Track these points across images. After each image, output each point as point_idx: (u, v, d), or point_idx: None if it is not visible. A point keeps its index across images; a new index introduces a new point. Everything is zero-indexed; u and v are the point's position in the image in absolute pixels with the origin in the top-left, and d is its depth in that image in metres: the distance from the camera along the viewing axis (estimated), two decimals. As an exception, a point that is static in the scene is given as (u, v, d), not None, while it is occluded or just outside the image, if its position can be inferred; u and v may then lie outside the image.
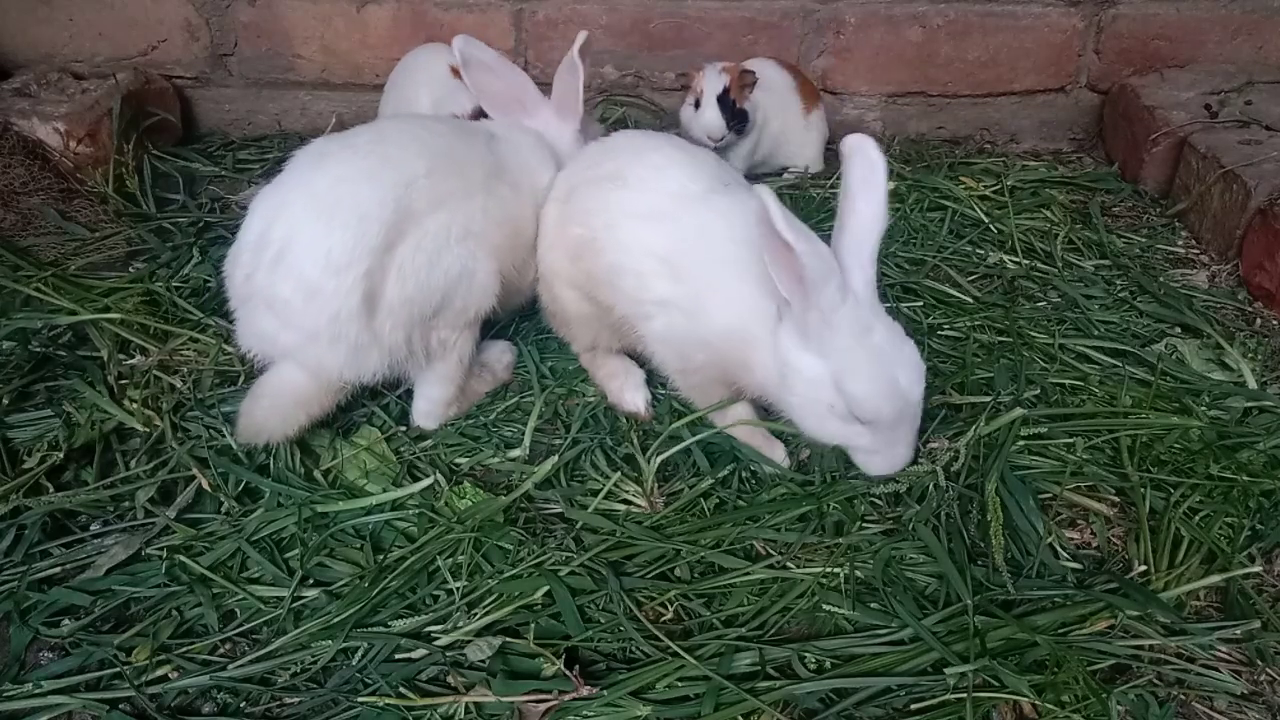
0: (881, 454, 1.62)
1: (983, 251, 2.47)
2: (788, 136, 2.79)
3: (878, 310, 1.58)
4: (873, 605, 1.49)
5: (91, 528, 1.64)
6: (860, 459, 1.65)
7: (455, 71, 2.49)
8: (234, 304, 1.72)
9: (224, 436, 1.78)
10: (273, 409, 1.70)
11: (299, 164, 1.72)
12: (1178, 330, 2.17)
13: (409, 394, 1.90)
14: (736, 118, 2.55)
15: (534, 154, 2.00)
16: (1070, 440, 1.78)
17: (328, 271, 1.59)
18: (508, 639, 1.43)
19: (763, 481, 1.74)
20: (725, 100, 2.52)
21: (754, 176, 2.78)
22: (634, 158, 1.84)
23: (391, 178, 1.67)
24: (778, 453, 1.77)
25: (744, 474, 1.74)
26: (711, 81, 2.53)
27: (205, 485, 1.69)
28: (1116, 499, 1.71)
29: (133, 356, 1.91)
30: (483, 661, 1.40)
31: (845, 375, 1.53)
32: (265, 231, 1.63)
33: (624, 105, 3.08)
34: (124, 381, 1.94)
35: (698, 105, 2.54)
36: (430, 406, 1.85)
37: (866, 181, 1.54)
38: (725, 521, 1.63)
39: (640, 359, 1.92)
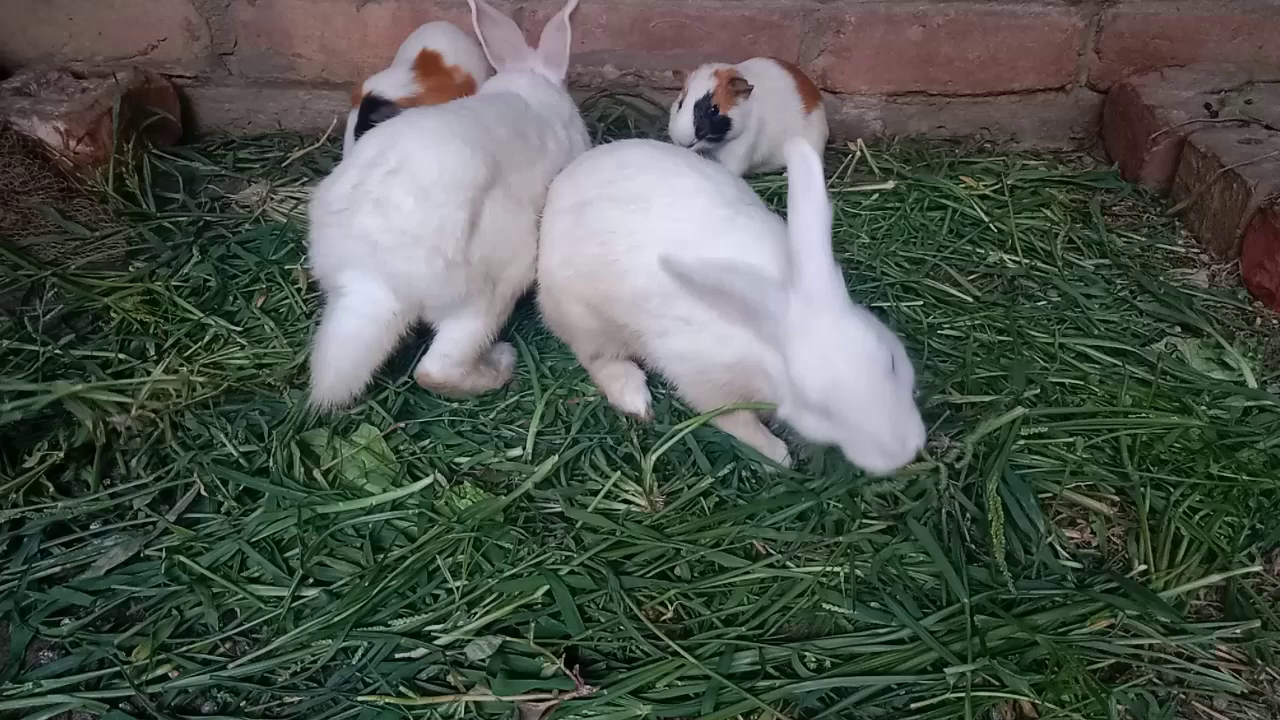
0: (866, 448, 1.54)
1: (983, 251, 2.47)
2: (788, 136, 2.78)
3: (832, 302, 1.55)
4: (873, 605, 1.49)
5: (91, 527, 1.64)
6: (853, 456, 1.57)
7: (420, 58, 2.56)
8: (326, 217, 1.76)
9: (225, 444, 1.78)
10: (340, 365, 1.72)
11: (403, 117, 1.89)
12: (1178, 329, 2.17)
13: (407, 385, 1.91)
14: (716, 126, 2.52)
15: (547, 92, 2.24)
16: (1070, 440, 1.78)
17: (440, 185, 1.72)
18: (508, 638, 1.43)
19: (763, 481, 1.74)
20: (706, 105, 2.50)
21: (754, 176, 2.78)
22: (658, 181, 1.79)
23: (485, 132, 1.86)
24: (779, 452, 1.77)
25: (744, 473, 1.74)
26: (697, 85, 2.51)
27: (203, 491, 1.69)
28: (1116, 498, 1.71)
29: (111, 414, 1.79)
30: (483, 661, 1.40)
31: (789, 365, 1.53)
32: (381, 153, 1.75)
33: (624, 104, 3.08)
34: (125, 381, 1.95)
35: (681, 107, 2.54)
36: (450, 349, 1.85)
37: (806, 185, 1.57)
38: (725, 520, 1.63)
39: (641, 360, 1.92)
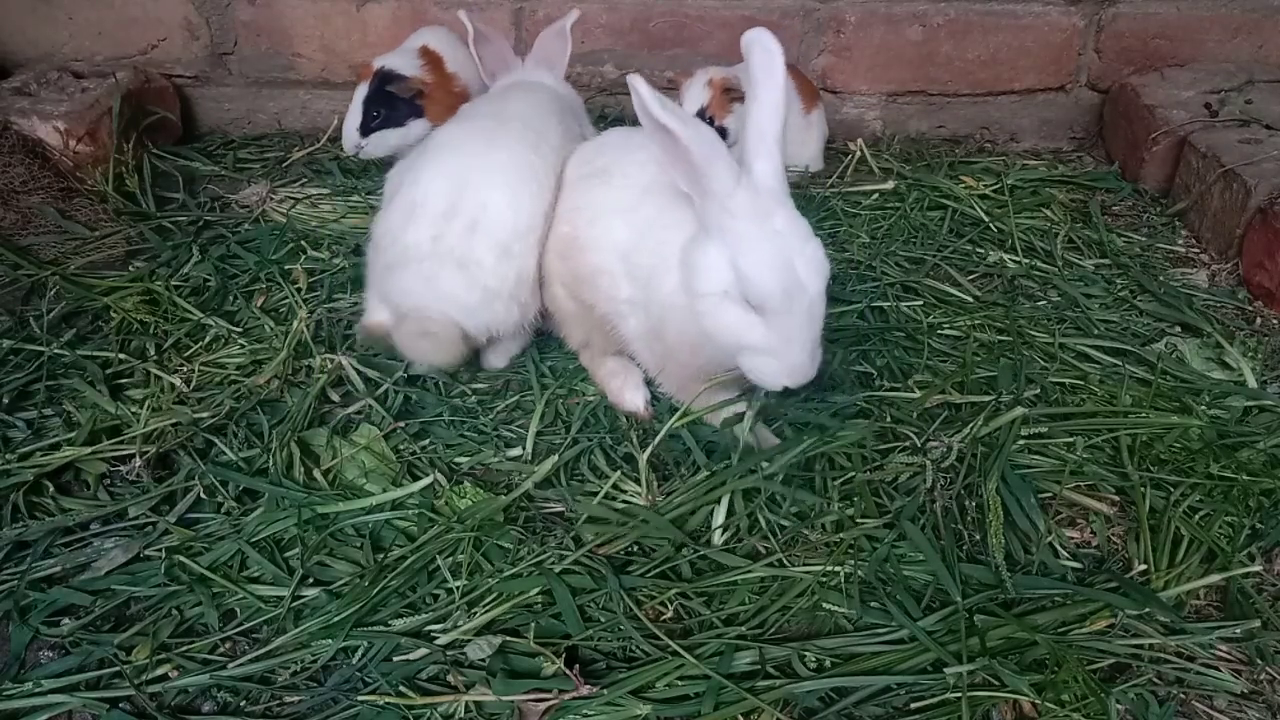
0: (777, 357, 1.53)
1: (983, 250, 2.47)
2: (787, 136, 2.75)
3: (784, 201, 1.55)
4: (873, 604, 1.49)
5: (92, 527, 1.63)
6: (757, 364, 1.55)
7: (424, 50, 2.63)
8: (400, 260, 1.83)
9: (225, 451, 1.78)
10: (440, 347, 1.84)
11: (470, 140, 1.90)
12: (1178, 329, 2.17)
13: (409, 381, 1.95)
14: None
15: (564, 85, 2.31)
16: (1070, 439, 1.78)
17: (518, 235, 1.80)
18: (508, 638, 1.43)
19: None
20: (701, 118, 2.50)
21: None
22: (621, 153, 1.85)
23: (545, 148, 1.89)
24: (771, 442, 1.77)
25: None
26: (691, 97, 2.51)
27: (203, 494, 1.68)
28: (1116, 498, 1.71)
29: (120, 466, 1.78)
30: (483, 660, 1.40)
31: (739, 252, 1.50)
32: (455, 202, 1.79)
33: (624, 104, 3.08)
34: (124, 380, 1.95)
35: None
36: (509, 346, 2.01)
37: (766, 70, 1.54)
38: (719, 485, 1.62)
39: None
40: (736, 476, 1.63)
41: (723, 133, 2.52)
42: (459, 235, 1.77)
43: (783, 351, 1.52)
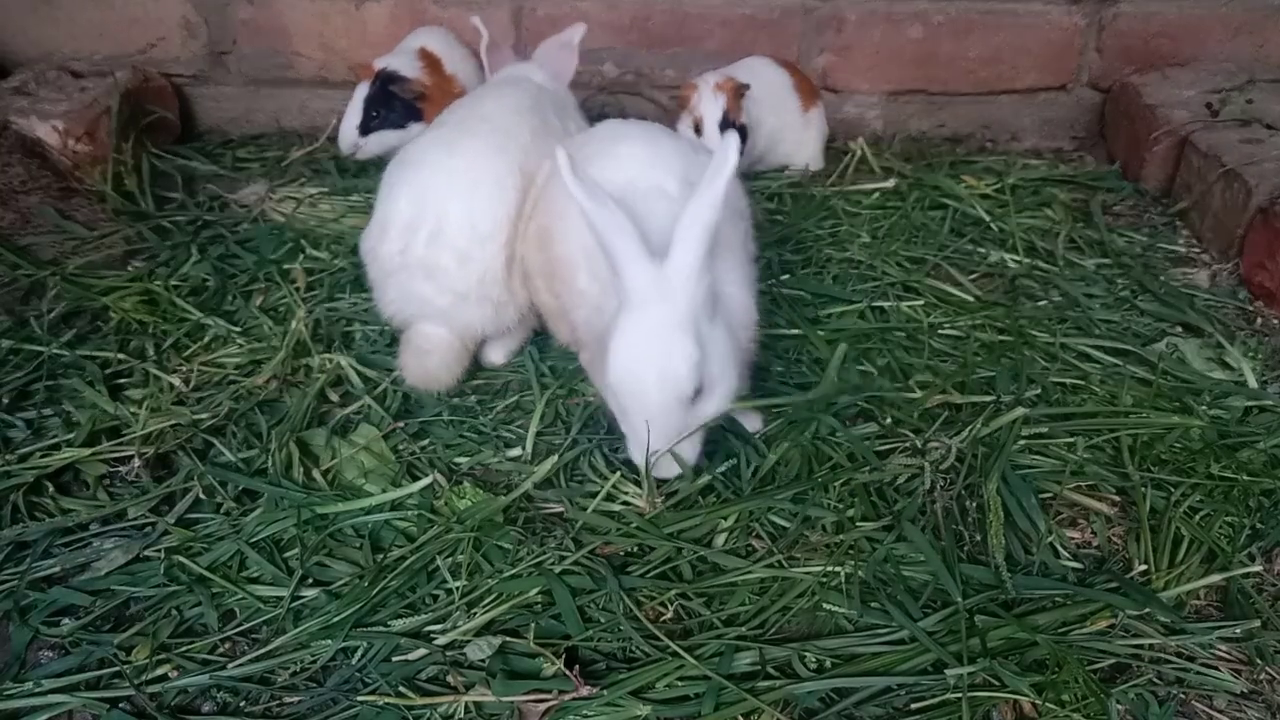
0: (631, 440, 1.56)
1: (984, 250, 2.46)
2: (784, 135, 2.78)
3: (678, 302, 1.47)
4: (873, 605, 1.49)
5: (91, 527, 1.63)
6: (627, 440, 1.59)
7: (423, 52, 2.68)
8: (380, 275, 1.90)
9: (224, 452, 1.78)
10: (441, 361, 1.91)
11: (431, 151, 1.91)
12: (1179, 329, 2.17)
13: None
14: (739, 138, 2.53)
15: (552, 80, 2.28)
16: (1071, 439, 1.78)
17: (476, 240, 1.83)
18: (507, 638, 1.43)
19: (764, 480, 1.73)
20: (727, 123, 2.50)
21: (753, 176, 2.78)
22: (603, 147, 1.83)
23: (512, 148, 1.90)
24: (753, 423, 1.79)
25: (743, 471, 1.74)
26: (710, 107, 2.49)
27: (202, 494, 1.68)
28: (1117, 498, 1.71)
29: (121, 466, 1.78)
30: (482, 661, 1.40)
31: (611, 339, 1.50)
32: (417, 213, 1.84)
33: (625, 103, 3.07)
34: (124, 380, 1.95)
35: (697, 130, 2.51)
36: (505, 342, 2.06)
37: (713, 176, 1.52)
38: (726, 510, 1.62)
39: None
40: (746, 496, 1.64)
41: (744, 132, 2.51)
42: (423, 245, 1.82)
43: (631, 441, 1.56)
